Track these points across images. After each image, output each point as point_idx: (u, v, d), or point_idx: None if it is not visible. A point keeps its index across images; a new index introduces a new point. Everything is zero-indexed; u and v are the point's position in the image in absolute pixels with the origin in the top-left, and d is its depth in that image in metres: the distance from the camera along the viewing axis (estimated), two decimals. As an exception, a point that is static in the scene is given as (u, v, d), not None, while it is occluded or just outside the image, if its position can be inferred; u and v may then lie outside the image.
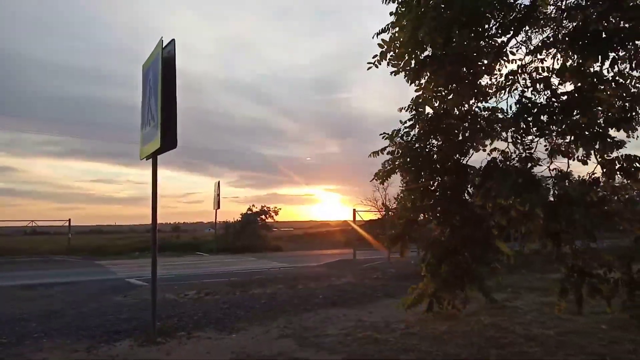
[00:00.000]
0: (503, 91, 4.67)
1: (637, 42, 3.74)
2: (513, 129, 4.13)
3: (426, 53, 4.40)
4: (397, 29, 4.45)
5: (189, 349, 5.64)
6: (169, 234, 38.12)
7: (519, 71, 4.60)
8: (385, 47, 4.48)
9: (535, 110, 4.10)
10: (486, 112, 4.40)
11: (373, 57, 4.55)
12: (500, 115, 4.44)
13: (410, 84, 4.57)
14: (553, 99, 4.16)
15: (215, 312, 7.69)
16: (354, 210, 20.45)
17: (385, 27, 4.54)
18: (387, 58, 4.48)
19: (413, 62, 4.45)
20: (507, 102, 4.72)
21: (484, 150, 4.57)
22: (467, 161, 4.55)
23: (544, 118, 4.07)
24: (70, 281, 12.30)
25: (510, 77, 4.74)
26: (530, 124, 4.09)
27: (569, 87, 4.27)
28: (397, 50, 4.45)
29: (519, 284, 10.00)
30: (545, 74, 4.35)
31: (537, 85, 4.36)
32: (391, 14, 4.50)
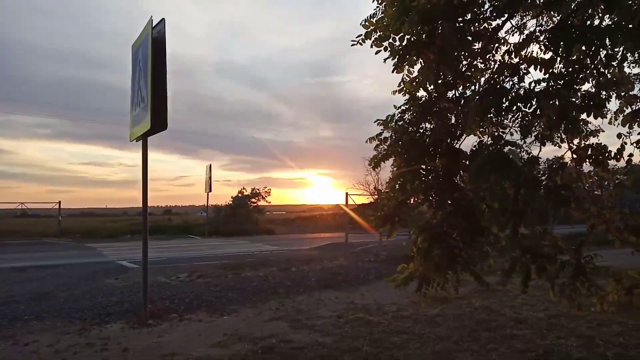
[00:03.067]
0: (496, 75, 4.62)
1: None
2: (483, 112, 4.11)
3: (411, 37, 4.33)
4: (382, 14, 4.39)
5: (180, 331, 5.63)
6: (161, 217, 38.05)
7: (505, 56, 4.57)
8: (371, 27, 4.41)
9: (505, 95, 4.10)
10: (479, 98, 4.36)
11: (357, 36, 4.47)
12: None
13: (393, 71, 4.51)
14: (526, 86, 4.15)
15: (206, 294, 7.69)
16: (347, 194, 20.47)
17: (372, 14, 4.48)
18: (372, 38, 4.40)
19: (397, 42, 4.38)
20: (499, 85, 4.68)
21: (475, 135, 4.55)
22: (460, 145, 4.52)
23: (518, 103, 4.07)
24: (61, 264, 12.23)
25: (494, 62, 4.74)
26: (501, 107, 4.08)
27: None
28: (380, 34, 4.39)
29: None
30: (516, 60, 4.36)
31: (509, 71, 4.36)
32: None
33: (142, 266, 6.55)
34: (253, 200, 30.80)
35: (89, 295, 7.66)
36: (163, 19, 6.15)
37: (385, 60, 4.43)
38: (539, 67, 4.17)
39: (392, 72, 4.54)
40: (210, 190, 26.23)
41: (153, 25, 6.17)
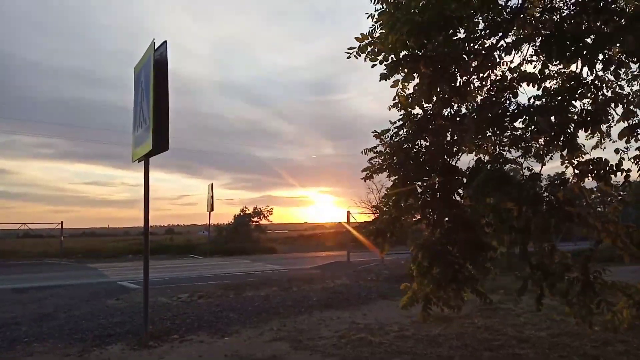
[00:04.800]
0: (493, 92, 4.69)
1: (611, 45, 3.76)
2: (478, 132, 4.16)
3: (403, 52, 4.39)
4: (376, 27, 4.46)
5: (181, 352, 5.60)
6: (163, 237, 38.01)
7: (498, 73, 4.64)
8: (365, 41, 4.47)
9: (502, 111, 4.15)
10: (474, 114, 4.41)
11: (349, 49, 4.53)
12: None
13: (382, 79, 4.52)
14: (524, 103, 4.20)
15: (208, 315, 7.66)
16: (348, 212, 20.47)
17: (369, 31, 4.55)
18: (366, 52, 4.46)
19: (390, 58, 4.44)
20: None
21: (471, 152, 4.59)
22: (456, 162, 4.56)
23: (515, 121, 4.11)
24: (62, 284, 12.20)
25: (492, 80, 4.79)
26: (499, 123, 4.13)
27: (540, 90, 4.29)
28: (374, 47, 4.45)
29: (511, 285, 9.98)
30: (511, 76, 4.41)
31: (505, 87, 4.42)
32: (367, 15, 4.54)
33: (143, 287, 6.55)
34: (255, 219, 30.81)
35: (90, 316, 7.63)
36: (165, 42, 6.26)
37: (380, 78, 4.46)
38: (533, 83, 4.22)
39: (391, 87, 4.58)
40: (212, 209, 26.27)
41: (155, 47, 6.28)
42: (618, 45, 3.74)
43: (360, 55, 4.51)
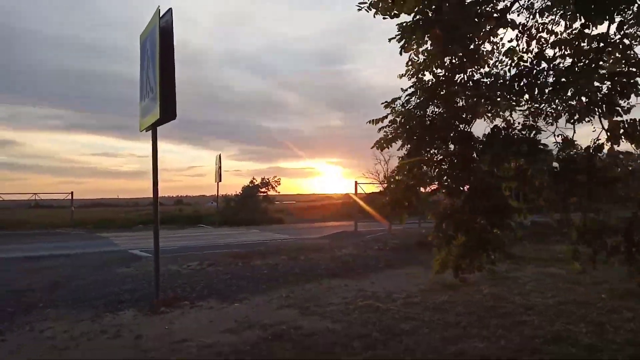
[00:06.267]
0: (505, 58, 4.57)
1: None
2: (512, 95, 4.05)
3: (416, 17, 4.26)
4: None
5: (192, 318, 5.71)
6: (172, 207, 38.32)
7: (520, 37, 4.50)
8: None
9: (533, 78, 4.02)
10: (487, 78, 4.30)
11: (360, 3, 4.38)
12: (501, 82, 4.34)
13: (401, 52, 4.40)
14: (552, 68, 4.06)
15: (217, 282, 7.77)
16: (356, 182, 20.50)
17: None
18: (378, 8, 4.31)
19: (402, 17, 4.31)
20: (510, 70, 4.62)
21: (487, 118, 4.50)
22: (470, 129, 4.47)
23: (545, 86, 3.98)
24: (74, 253, 12.40)
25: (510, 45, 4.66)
26: (531, 91, 4.00)
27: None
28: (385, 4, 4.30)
29: (519, 255, 10.06)
30: (545, 35, 4.27)
31: (535, 52, 4.28)
32: None
33: (154, 255, 6.64)
34: (263, 190, 30.90)
35: (102, 284, 7.78)
36: (170, 9, 6.16)
37: (393, 39, 4.32)
38: (566, 47, 4.06)
39: (400, 53, 4.45)
40: (220, 180, 26.38)
41: (160, 15, 6.19)
42: None
43: (370, 10, 4.36)
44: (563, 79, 3.89)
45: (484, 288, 6.91)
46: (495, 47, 4.68)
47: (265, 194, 31.14)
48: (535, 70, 4.11)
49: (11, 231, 20.52)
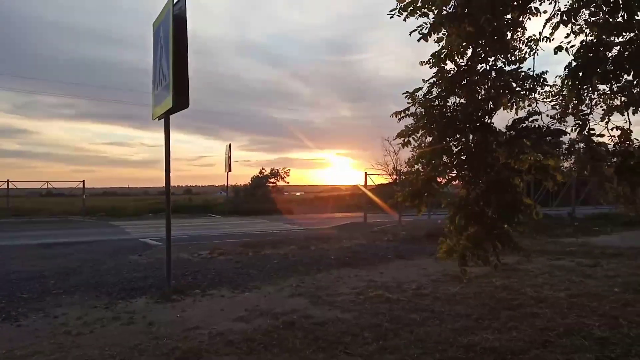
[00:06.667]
0: (529, 48, 4.47)
1: None
2: (535, 85, 3.97)
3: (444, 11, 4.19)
4: None
5: (203, 306, 5.76)
6: (182, 197, 38.60)
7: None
8: (405, 1, 4.25)
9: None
10: (511, 67, 4.24)
11: (391, 11, 4.33)
12: (526, 73, 4.26)
13: (419, 40, 4.31)
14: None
15: (228, 271, 7.82)
16: (365, 173, 20.44)
17: None
18: (408, 10, 4.25)
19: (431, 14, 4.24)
20: (533, 60, 4.53)
21: (511, 109, 4.42)
22: (491, 121, 4.41)
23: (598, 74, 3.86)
24: (86, 241, 12.55)
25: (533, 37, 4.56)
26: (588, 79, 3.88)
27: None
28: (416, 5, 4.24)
29: (530, 247, 10.01)
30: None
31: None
32: None
33: (165, 243, 6.69)
34: (272, 180, 31.01)
35: (114, 271, 7.86)
36: (184, -4, 6.14)
37: (416, 31, 4.23)
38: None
39: (419, 40, 4.35)
40: (230, 170, 26.51)
41: (174, 2, 6.17)
42: None
43: (401, 14, 4.30)
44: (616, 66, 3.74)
45: (496, 280, 6.88)
46: (518, 37, 4.58)
47: (274, 184, 31.26)
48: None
49: (25, 218, 20.80)
